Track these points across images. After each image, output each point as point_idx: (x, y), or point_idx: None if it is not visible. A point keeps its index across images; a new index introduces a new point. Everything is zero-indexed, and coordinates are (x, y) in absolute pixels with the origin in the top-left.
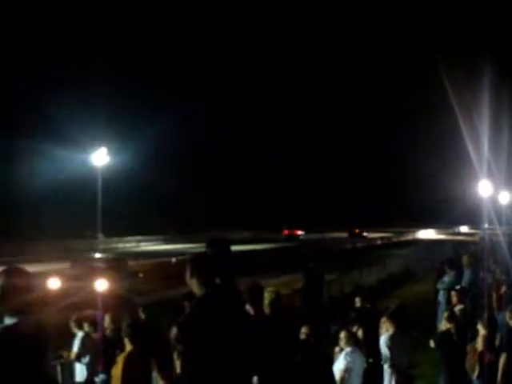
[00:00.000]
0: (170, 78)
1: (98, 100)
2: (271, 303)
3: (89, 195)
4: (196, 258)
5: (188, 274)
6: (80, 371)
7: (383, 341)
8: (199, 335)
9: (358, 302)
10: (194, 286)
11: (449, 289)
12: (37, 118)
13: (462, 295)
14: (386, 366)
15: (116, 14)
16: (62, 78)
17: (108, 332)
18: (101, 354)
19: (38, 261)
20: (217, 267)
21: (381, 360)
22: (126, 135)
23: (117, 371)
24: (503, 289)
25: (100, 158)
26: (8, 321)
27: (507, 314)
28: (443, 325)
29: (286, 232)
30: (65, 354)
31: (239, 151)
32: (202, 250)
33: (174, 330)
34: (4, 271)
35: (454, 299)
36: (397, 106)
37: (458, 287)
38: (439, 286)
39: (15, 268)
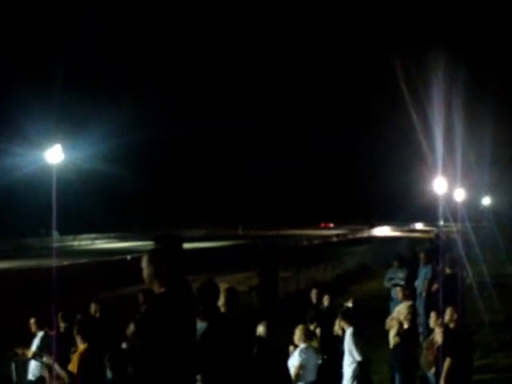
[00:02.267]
0: (126, 70)
1: (50, 96)
2: (227, 301)
3: (43, 193)
4: (153, 254)
5: (146, 271)
6: (34, 369)
7: (349, 338)
8: (157, 333)
9: (313, 297)
10: (152, 283)
11: (399, 285)
12: None
13: (406, 291)
14: (348, 362)
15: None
16: (14, 73)
17: (62, 330)
18: (56, 351)
19: None
20: (170, 263)
21: (334, 356)
22: (80, 132)
23: (72, 369)
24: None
25: (54, 155)
26: None
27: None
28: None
29: (323, 225)
30: (19, 351)
31: (203, 146)
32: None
33: (131, 327)
34: None
35: (399, 295)
36: (352, 103)
37: (402, 283)
38: (386, 282)
39: None
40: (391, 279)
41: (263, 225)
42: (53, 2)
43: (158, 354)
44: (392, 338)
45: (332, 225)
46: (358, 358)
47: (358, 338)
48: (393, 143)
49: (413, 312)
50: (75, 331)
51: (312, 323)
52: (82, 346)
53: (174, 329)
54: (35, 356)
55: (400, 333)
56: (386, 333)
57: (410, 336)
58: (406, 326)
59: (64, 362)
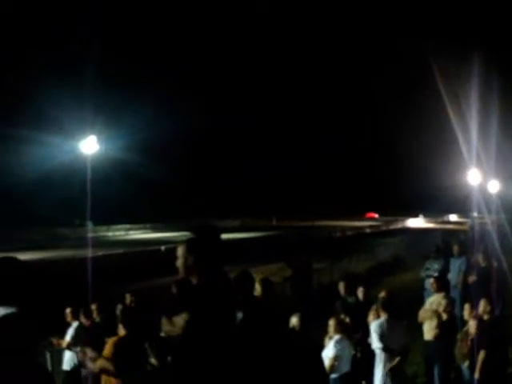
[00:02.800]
0: (161, 67)
1: (87, 88)
2: (263, 291)
3: (78, 183)
4: (192, 244)
5: (183, 261)
6: (69, 359)
7: (374, 327)
8: (197, 323)
9: (341, 289)
10: (190, 273)
11: (432, 276)
12: (26, 106)
13: (440, 282)
14: (377, 352)
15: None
16: (51, 65)
17: (97, 320)
18: (90, 341)
19: (28, 248)
20: (209, 254)
21: (369, 347)
22: (115, 123)
23: (106, 354)
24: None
25: (89, 145)
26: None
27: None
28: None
29: (369, 215)
30: (54, 341)
31: (233, 139)
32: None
33: (169, 318)
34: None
35: (433, 286)
36: (387, 97)
37: (436, 274)
38: (422, 273)
39: (8, 257)
40: (427, 269)
41: (298, 215)
42: None
43: (198, 344)
44: (432, 330)
45: (377, 215)
46: (379, 344)
47: (385, 328)
48: (429, 136)
49: (450, 303)
50: (118, 320)
51: (340, 315)
52: (121, 333)
53: (213, 319)
54: (70, 346)
55: (440, 324)
56: (420, 324)
57: (450, 328)
58: (444, 317)
59: (98, 352)
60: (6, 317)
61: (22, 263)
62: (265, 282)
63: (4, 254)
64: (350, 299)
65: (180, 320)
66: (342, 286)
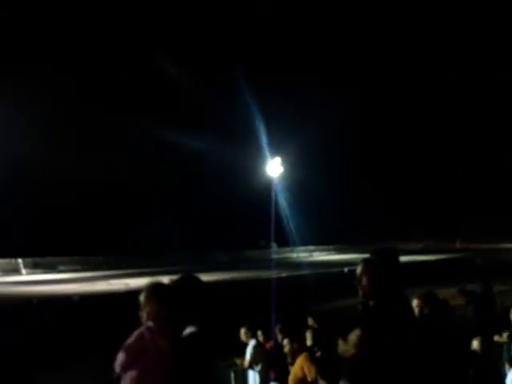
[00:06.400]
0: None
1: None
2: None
3: (263, 205)
4: (368, 265)
5: (361, 282)
6: (253, 379)
7: None
8: (374, 343)
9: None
10: (368, 294)
11: None
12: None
13: None
14: None
15: None
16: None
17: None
18: (273, 362)
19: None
20: (385, 275)
21: None
22: (297, 145)
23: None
24: None
25: (275, 168)
26: (187, 329)
27: None
28: None
29: None
30: (238, 361)
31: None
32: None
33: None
34: (180, 279)
35: None
36: None
37: None
38: None
39: (190, 276)
40: None
41: (482, 238)
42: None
43: (372, 360)
44: None
45: None
46: None
47: None
48: None
49: None
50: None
51: None
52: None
53: (385, 337)
54: (252, 365)
55: None
56: None
57: None
58: None
59: (281, 373)
60: (190, 336)
61: (202, 282)
62: (428, 298)
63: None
64: None
65: (353, 336)
66: None
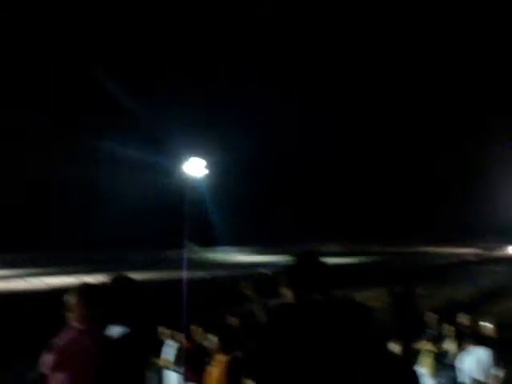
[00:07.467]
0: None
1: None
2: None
3: (182, 206)
4: (291, 269)
5: (283, 285)
6: (174, 380)
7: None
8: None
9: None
10: (288, 297)
11: None
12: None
13: None
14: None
15: None
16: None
17: (199, 341)
18: (191, 362)
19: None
20: (311, 279)
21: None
22: (223, 147)
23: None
24: None
25: (196, 168)
26: (117, 330)
27: None
28: None
29: None
30: (160, 361)
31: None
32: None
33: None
34: (113, 280)
35: None
36: None
37: None
38: None
39: (123, 276)
40: None
41: (403, 241)
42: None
43: (286, 368)
44: None
45: None
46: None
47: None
48: None
49: None
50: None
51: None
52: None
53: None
54: (173, 366)
55: None
56: None
57: None
58: None
59: (198, 373)
60: (123, 336)
61: (135, 282)
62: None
63: (114, 273)
64: (437, 330)
65: (265, 336)
66: (429, 317)
